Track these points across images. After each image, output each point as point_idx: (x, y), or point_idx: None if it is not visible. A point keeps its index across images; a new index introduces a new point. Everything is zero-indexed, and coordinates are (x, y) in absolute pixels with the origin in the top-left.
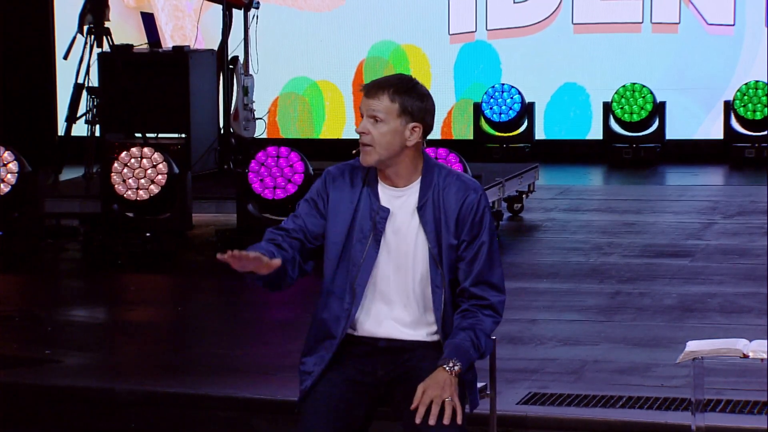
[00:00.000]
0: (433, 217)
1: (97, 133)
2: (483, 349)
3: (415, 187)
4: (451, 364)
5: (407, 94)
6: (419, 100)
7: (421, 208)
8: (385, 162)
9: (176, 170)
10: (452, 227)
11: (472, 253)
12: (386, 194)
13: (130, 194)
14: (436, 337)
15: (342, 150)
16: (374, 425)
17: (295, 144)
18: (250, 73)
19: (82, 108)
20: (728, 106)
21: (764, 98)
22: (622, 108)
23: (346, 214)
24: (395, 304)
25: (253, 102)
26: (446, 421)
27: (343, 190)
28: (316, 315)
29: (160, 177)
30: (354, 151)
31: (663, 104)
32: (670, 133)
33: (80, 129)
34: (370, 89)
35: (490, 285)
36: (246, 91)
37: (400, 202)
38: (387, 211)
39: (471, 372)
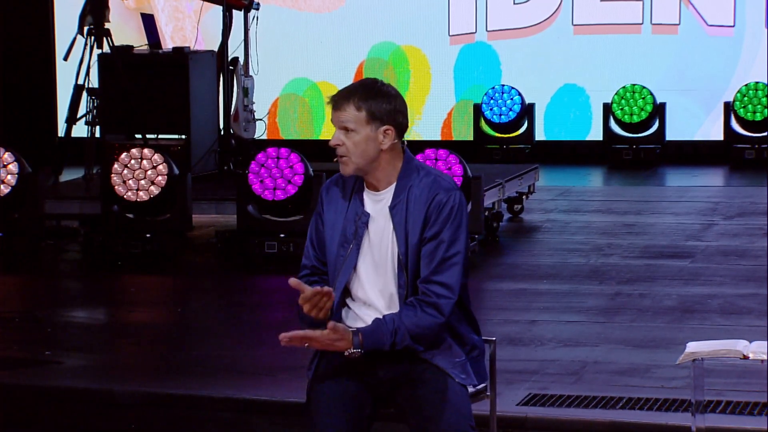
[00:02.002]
0: (404, 218)
1: (97, 134)
2: (397, 342)
3: (392, 190)
4: (354, 351)
5: (373, 99)
6: (386, 102)
7: (392, 208)
8: (363, 169)
9: (176, 171)
10: (419, 227)
11: (428, 251)
12: (369, 198)
13: (130, 195)
14: None
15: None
16: (376, 426)
17: (295, 145)
18: (250, 74)
19: (82, 109)
20: (728, 107)
21: (764, 99)
22: (622, 109)
23: (338, 223)
24: (378, 306)
25: (253, 103)
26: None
27: (336, 200)
28: None
29: (160, 178)
30: (335, 159)
31: (663, 105)
32: (670, 134)
33: (80, 130)
34: (336, 101)
35: (441, 284)
36: (246, 92)
37: (381, 205)
38: (367, 215)
39: (457, 353)
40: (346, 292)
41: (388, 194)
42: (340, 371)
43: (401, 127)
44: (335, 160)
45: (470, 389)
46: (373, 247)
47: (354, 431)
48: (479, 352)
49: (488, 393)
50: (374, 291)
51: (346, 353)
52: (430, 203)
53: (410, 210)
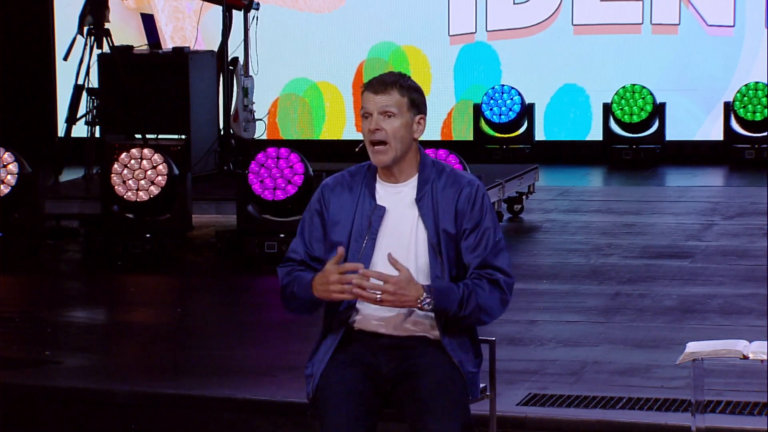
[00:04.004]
0: (432, 209)
1: (97, 134)
2: (465, 311)
3: (413, 182)
4: (427, 300)
5: (412, 88)
6: (419, 93)
7: (419, 200)
8: (399, 157)
9: (176, 171)
10: (450, 219)
11: (475, 239)
12: (386, 191)
13: (130, 195)
14: (437, 333)
15: (342, 151)
16: (379, 426)
17: (295, 145)
18: (250, 74)
19: (82, 109)
20: (728, 107)
21: (764, 99)
22: (622, 109)
23: (347, 220)
24: None
25: (253, 103)
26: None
27: (343, 197)
28: (324, 321)
29: (160, 178)
30: (357, 149)
31: (663, 105)
32: (670, 134)
33: (80, 130)
34: (377, 86)
35: (497, 269)
36: (246, 92)
37: (400, 197)
38: (383, 209)
39: (474, 364)
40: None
41: (408, 186)
42: (346, 368)
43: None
44: (357, 149)
45: None
46: (390, 240)
47: (362, 427)
48: (480, 368)
49: (488, 393)
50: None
51: (419, 303)
52: (458, 197)
53: (437, 201)
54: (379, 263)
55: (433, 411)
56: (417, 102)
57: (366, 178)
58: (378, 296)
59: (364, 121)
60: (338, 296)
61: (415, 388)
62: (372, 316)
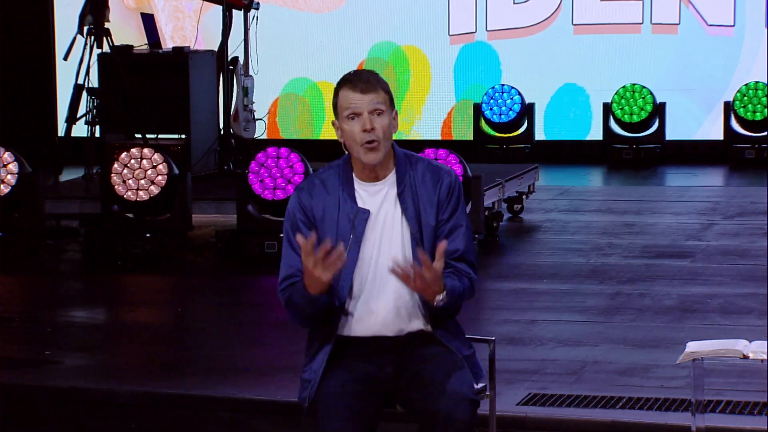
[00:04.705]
0: (413, 203)
1: (97, 134)
2: (454, 306)
3: (392, 178)
4: (443, 300)
5: (387, 84)
6: (389, 88)
7: (400, 194)
8: (384, 155)
9: (176, 171)
10: (431, 210)
11: (450, 229)
12: (366, 191)
13: (130, 195)
14: (430, 327)
15: (342, 151)
16: (381, 426)
17: (295, 145)
18: (250, 73)
19: (82, 109)
20: (728, 107)
21: (764, 99)
22: (622, 109)
23: (331, 222)
24: (389, 299)
25: (253, 103)
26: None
27: (322, 199)
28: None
29: (160, 178)
30: (346, 152)
31: (663, 105)
32: (670, 134)
33: (80, 130)
34: (363, 85)
35: (469, 263)
36: (246, 92)
37: (381, 195)
38: (367, 212)
39: (466, 347)
40: (350, 295)
41: (387, 183)
42: (344, 372)
43: None
44: (346, 152)
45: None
46: (376, 240)
47: (363, 429)
48: (473, 350)
49: (488, 393)
50: (383, 283)
51: (434, 300)
52: (439, 187)
53: (417, 195)
54: (370, 263)
55: (441, 392)
56: (392, 98)
57: (342, 180)
58: (412, 277)
59: (351, 122)
60: (329, 275)
61: (420, 377)
62: (369, 320)
